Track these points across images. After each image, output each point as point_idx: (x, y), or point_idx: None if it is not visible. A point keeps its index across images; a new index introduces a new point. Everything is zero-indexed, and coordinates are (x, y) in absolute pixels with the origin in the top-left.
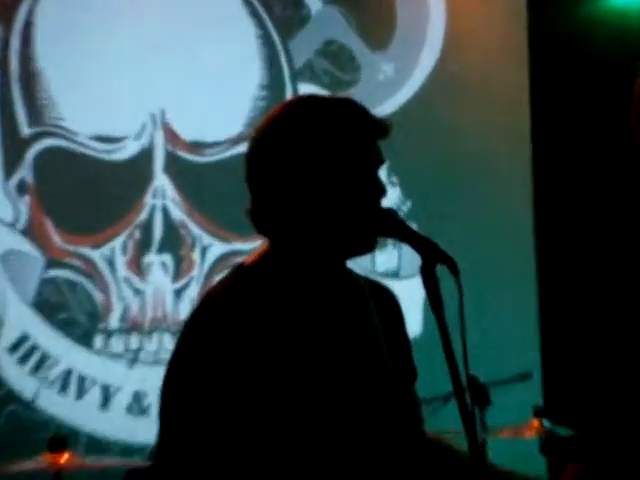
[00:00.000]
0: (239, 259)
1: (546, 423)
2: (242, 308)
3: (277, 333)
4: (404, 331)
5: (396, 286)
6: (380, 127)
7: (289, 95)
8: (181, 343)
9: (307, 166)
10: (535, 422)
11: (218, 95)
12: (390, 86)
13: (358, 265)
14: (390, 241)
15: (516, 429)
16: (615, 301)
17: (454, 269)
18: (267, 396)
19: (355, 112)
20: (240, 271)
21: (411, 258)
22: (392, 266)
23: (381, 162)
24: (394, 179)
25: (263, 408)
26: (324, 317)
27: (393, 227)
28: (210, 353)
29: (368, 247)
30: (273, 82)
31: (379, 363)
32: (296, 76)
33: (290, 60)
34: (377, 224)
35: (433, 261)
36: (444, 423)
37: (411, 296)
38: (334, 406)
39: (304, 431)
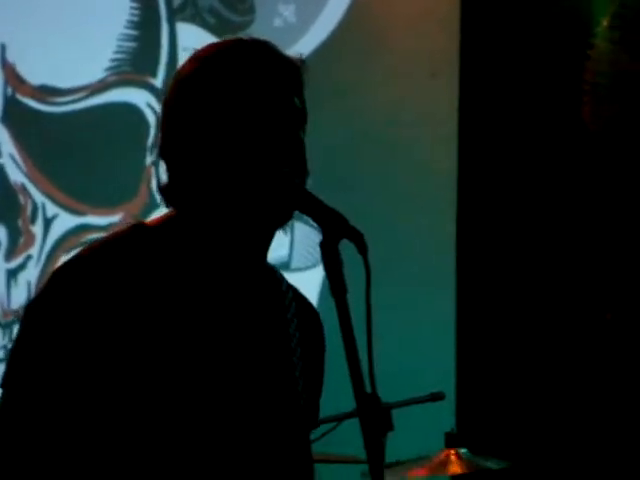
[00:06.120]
0: (92, 235)
1: (464, 453)
2: (119, 269)
3: (147, 307)
4: (321, 368)
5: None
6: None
7: (165, 37)
8: (36, 296)
9: (218, 124)
10: (450, 452)
11: (75, 32)
12: (289, 33)
13: None
14: None
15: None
16: (544, 316)
17: (362, 247)
18: (108, 374)
19: (275, 64)
20: (133, 228)
21: (306, 245)
22: (281, 255)
23: (301, 118)
24: None
25: (99, 387)
26: (210, 302)
27: (291, 194)
28: (58, 318)
29: (283, 218)
30: (145, 20)
31: (277, 378)
32: (175, 14)
33: None
34: (292, 192)
35: (336, 236)
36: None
37: (305, 293)
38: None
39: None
